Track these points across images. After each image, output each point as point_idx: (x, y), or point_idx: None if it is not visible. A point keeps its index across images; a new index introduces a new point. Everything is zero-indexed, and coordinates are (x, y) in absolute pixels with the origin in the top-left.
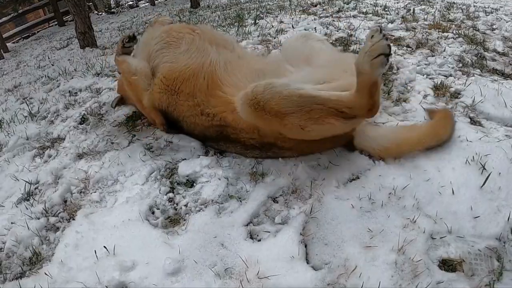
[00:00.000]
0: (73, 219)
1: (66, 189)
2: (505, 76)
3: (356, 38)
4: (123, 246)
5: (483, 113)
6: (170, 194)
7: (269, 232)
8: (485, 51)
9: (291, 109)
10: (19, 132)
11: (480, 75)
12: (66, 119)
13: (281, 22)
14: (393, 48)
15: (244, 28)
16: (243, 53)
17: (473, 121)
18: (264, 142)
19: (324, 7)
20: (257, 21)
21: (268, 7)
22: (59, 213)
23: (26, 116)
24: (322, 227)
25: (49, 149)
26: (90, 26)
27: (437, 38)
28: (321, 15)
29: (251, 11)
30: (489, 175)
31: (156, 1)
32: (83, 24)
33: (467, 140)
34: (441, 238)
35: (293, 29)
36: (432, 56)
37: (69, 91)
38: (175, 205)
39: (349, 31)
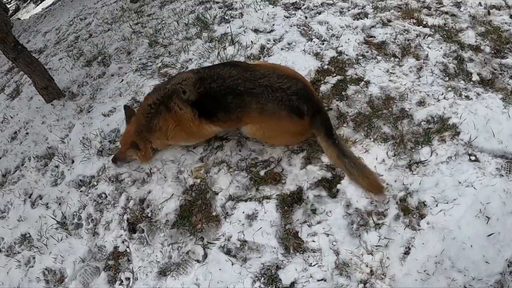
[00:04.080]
0: None
1: None
2: (484, 84)
3: (347, 56)
4: None
5: (478, 147)
6: None
7: None
8: (462, 50)
9: None
10: (67, 254)
11: (465, 88)
12: (108, 226)
13: (256, 31)
14: (384, 65)
15: (223, 49)
16: None
17: (471, 157)
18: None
19: None
20: (232, 36)
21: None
22: None
23: (57, 228)
24: None
25: (120, 271)
26: (49, 77)
27: (416, 37)
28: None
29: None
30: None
31: None
32: (43, 79)
33: (472, 186)
34: (470, 285)
35: (276, 44)
36: (420, 69)
37: (81, 181)
38: None
39: (336, 45)
